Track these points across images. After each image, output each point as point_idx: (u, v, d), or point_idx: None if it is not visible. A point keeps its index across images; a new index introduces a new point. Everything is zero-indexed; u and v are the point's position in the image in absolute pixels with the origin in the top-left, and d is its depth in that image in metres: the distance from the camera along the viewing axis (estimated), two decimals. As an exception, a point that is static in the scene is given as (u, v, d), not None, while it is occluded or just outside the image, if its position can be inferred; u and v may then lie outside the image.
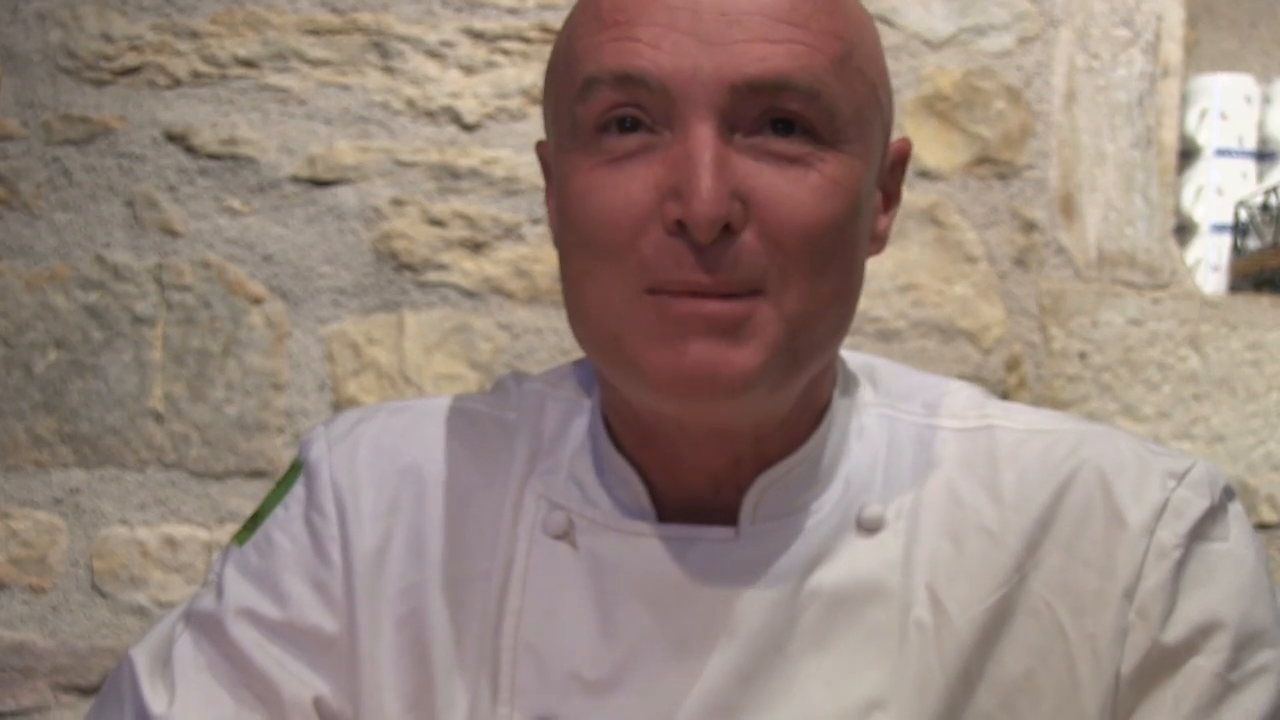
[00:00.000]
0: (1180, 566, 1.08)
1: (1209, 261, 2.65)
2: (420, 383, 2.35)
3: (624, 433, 1.15)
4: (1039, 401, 2.34)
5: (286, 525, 1.20)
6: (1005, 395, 2.33)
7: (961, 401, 1.19)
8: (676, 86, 0.99)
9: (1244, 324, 2.39)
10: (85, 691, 2.37)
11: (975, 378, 2.31)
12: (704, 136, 0.99)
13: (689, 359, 1.02)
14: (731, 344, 1.02)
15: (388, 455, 1.20)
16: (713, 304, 1.01)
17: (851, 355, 1.22)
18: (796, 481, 1.13)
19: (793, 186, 1.02)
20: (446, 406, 1.24)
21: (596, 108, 1.02)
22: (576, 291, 1.07)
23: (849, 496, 1.13)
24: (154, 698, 1.16)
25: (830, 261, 1.04)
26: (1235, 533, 1.11)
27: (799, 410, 1.13)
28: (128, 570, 2.37)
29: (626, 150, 1.02)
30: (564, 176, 1.06)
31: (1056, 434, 1.15)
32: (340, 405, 2.36)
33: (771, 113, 1.01)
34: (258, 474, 2.36)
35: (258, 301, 2.38)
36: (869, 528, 1.12)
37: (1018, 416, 1.17)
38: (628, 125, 1.02)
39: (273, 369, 2.37)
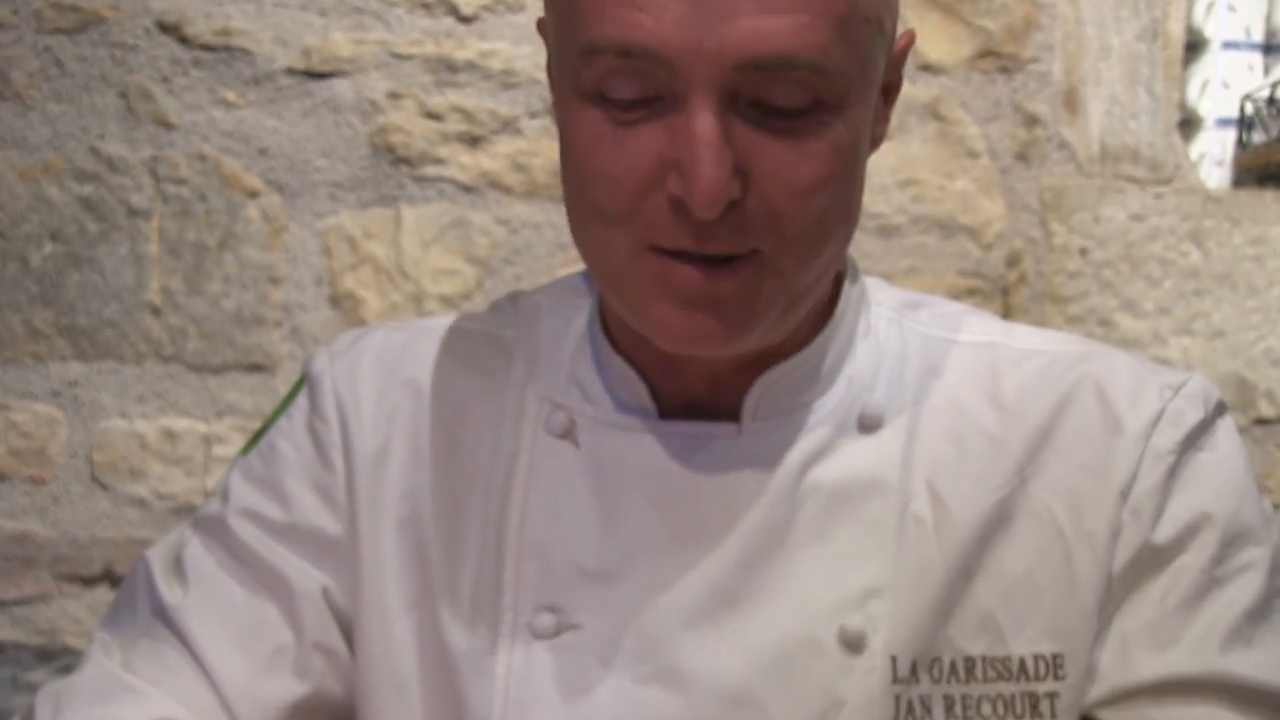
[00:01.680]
0: (1173, 471, 1.11)
1: (1213, 156, 2.64)
2: (418, 277, 2.34)
3: (622, 336, 1.17)
4: (1039, 298, 2.33)
5: (290, 434, 1.23)
6: (1005, 292, 2.32)
7: (966, 319, 1.22)
8: (680, 62, 0.98)
9: (1247, 219, 2.38)
10: (87, 581, 2.38)
11: (975, 274, 2.31)
12: (705, 119, 0.98)
13: (689, 324, 1.03)
14: (730, 309, 1.03)
15: (388, 367, 1.23)
16: (712, 278, 1.02)
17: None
18: (799, 381, 1.15)
19: (794, 156, 1.01)
20: (444, 326, 1.26)
21: (598, 71, 1.01)
22: (580, 231, 1.07)
23: (851, 395, 1.15)
24: (169, 592, 1.19)
25: (831, 221, 1.04)
26: (1225, 443, 1.14)
27: (802, 318, 1.13)
28: (127, 463, 2.38)
29: (630, 115, 1.01)
30: (566, 115, 1.05)
31: (1057, 353, 1.17)
32: (337, 300, 2.35)
33: (775, 86, 1.00)
34: (256, 368, 2.37)
35: (254, 195, 2.37)
36: (870, 426, 1.14)
37: (1021, 336, 1.20)
38: (630, 86, 1.01)
39: (270, 263, 2.37)
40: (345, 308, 2.36)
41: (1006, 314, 2.32)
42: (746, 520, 1.11)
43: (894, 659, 1.09)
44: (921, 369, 1.17)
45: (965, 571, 1.11)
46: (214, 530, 1.21)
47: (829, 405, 1.14)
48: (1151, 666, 1.08)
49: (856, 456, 1.13)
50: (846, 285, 1.18)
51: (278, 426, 1.24)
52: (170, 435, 2.38)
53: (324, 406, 1.22)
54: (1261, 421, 2.34)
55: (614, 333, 1.17)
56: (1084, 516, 1.11)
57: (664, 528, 1.12)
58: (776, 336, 1.09)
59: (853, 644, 1.09)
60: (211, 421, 2.37)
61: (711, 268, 1.02)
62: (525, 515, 1.15)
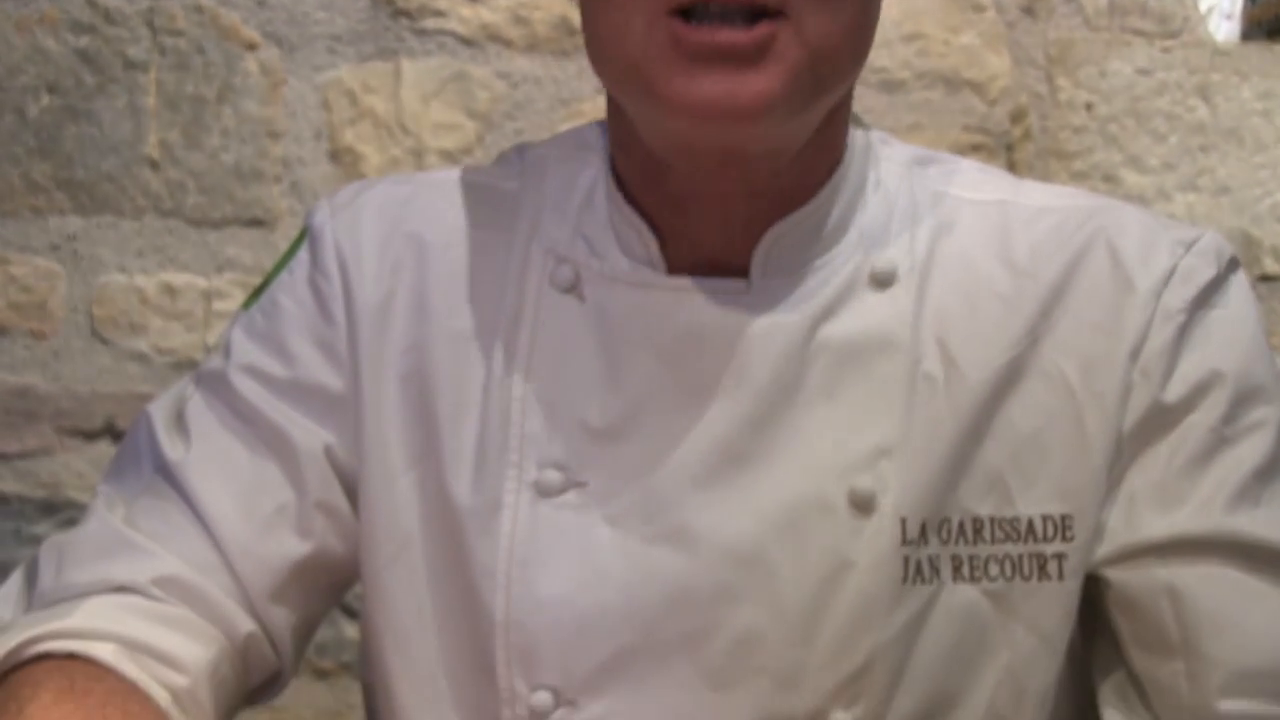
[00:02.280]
0: (1184, 330, 1.11)
1: (1222, 9, 2.60)
2: (418, 132, 2.32)
3: (634, 177, 1.15)
4: (1044, 154, 2.31)
5: (291, 289, 1.22)
6: (1010, 148, 2.30)
7: (975, 176, 1.20)
8: None
9: (1255, 73, 2.35)
10: (88, 435, 2.39)
11: (980, 130, 2.29)
12: None
13: (706, 88, 1.01)
14: (750, 70, 1.01)
15: (390, 220, 1.22)
16: (728, 33, 1.00)
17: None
18: (809, 233, 1.14)
19: None
20: (448, 178, 1.25)
21: None
22: (597, 14, 1.06)
23: (862, 250, 1.14)
24: (171, 448, 1.19)
25: None
26: (1237, 300, 1.13)
27: (813, 151, 1.12)
28: (127, 317, 2.38)
29: None
30: None
31: (1069, 209, 1.16)
32: (337, 154, 2.34)
33: None
34: (255, 223, 2.35)
35: (252, 48, 2.34)
36: (881, 282, 1.13)
37: (1030, 193, 1.19)
38: None
39: (268, 117, 2.35)
40: (345, 163, 2.34)
41: (1011, 170, 2.30)
42: (755, 378, 1.11)
43: (903, 520, 1.09)
44: (932, 226, 1.16)
45: (975, 431, 1.11)
46: (216, 387, 1.21)
47: (840, 261, 1.14)
48: (1158, 525, 1.09)
49: (867, 313, 1.12)
50: (853, 133, 1.17)
51: (279, 281, 1.23)
52: (170, 290, 2.37)
53: (325, 261, 1.21)
54: (1266, 278, 2.33)
55: (626, 176, 1.16)
56: (1094, 376, 1.10)
57: (671, 385, 1.12)
58: (794, 131, 1.08)
59: (862, 506, 1.09)
60: (211, 276, 2.37)
61: (731, 27, 1.00)
62: (530, 371, 1.15)
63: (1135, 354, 1.10)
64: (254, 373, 1.20)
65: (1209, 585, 1.07)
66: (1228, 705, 1.05)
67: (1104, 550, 1.10)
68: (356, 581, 1.24)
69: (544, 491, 1.12)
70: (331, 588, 1.24)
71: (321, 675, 2.38)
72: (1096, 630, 1.14)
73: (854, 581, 1.09)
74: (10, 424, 2.39)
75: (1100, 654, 1.14)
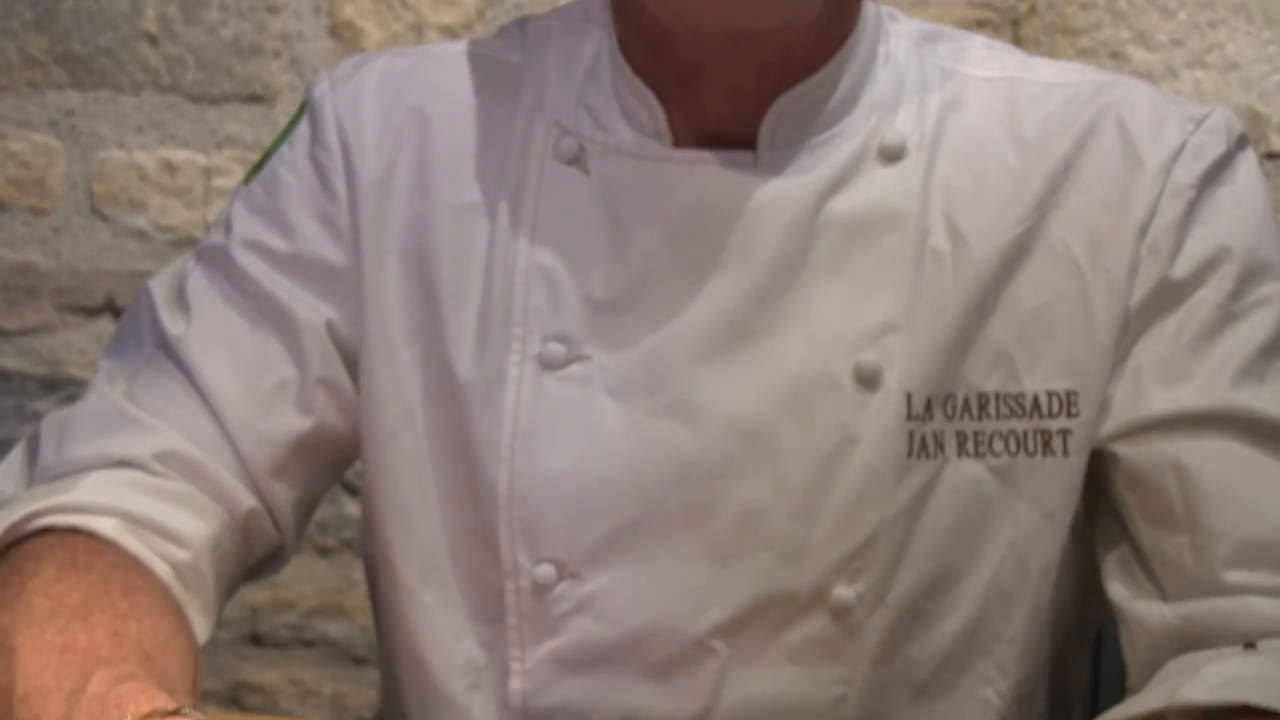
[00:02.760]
0: (1192, 206, 1.10)
1: (1233, -118, 2.56)
2: (418, 6, 2.30)
3: (639, 49, 1.14)
4: (1050, 30, 2.29)
5: (292, 163, 1.21)
6: (1015, 23, 2.28)
7: (984, 53, 1.19)
8: None
9: (1266, -52, 2.33)
10: (89, 312, 2.38)
11: (985, 4, 2.26)
12: None
13: None
14: None
15: (391, 93, 1.21)
16: None
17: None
18: (817, 105, 1.13)
19: None
20: (450, 51, 1.24)
21: None
22: None
23: (871, 124, 1.13)
24: (171, 323, 1.18)
25: None
26: (1246, 177, 1.13)
27: (825, 24, 1.11)
28: (127, 194, 2.37)
29: None
30: None
31: (1078, 85, 1.15)
32: (337, 29, 2.31)
33: None
34: (255, 99, 2.34)
35: (250, -81, 2.31)
36: (890, 155, 1.12)
37: (1039, 70, 1.18)
38: None
39: (267, -10, 2.32)
40: (345, 38, 2.31)
41: (1016, 46, 2.27)
42: (761, 252, 1.10)
43: (909, 395, 1.09)
44: (942, 102, 1.15)
45: (981, 307, 1.10)
46: (216, 261, 1.20)
47: (848, 134, 1.12)
48: (1163, 400, 1.09)
49: (876, 188, 1.11)
50: (864, 6, 1.16)
51: (279, 155, 1.22)
52: (169, 166, 2.36)
53: (326, 133, 1.20)
54: (1273, 155, 2.31)
55: (632, 46, 1.15)
56: (1102, 253, 1.10)
57: (676, 258, 1.11)
58: (806, 10, 1.07)
59: (868, 380, 1.09)
60: (211, 153, 2.35)
61: None
62: (533, 243, 1.14)
63: (1143, 230, 1.10)
64: (255, 247, 1.19)
65: (1214, 459, 1.07)
66: (1233, 577, 1.05)
67: (1110, 426, 1.10)
68: (358, 457, 1.24)
69: (547, 364, 1.12)
70: (333, 463, 1.24)
71: (323, 552, 2.39)
72: (1100, 505, 1.14)
73: (858, 456, 1.09)
74: (10, 300, 2.38)
75: (1104, 528, 1.14)
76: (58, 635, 0.98)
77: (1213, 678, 0.98)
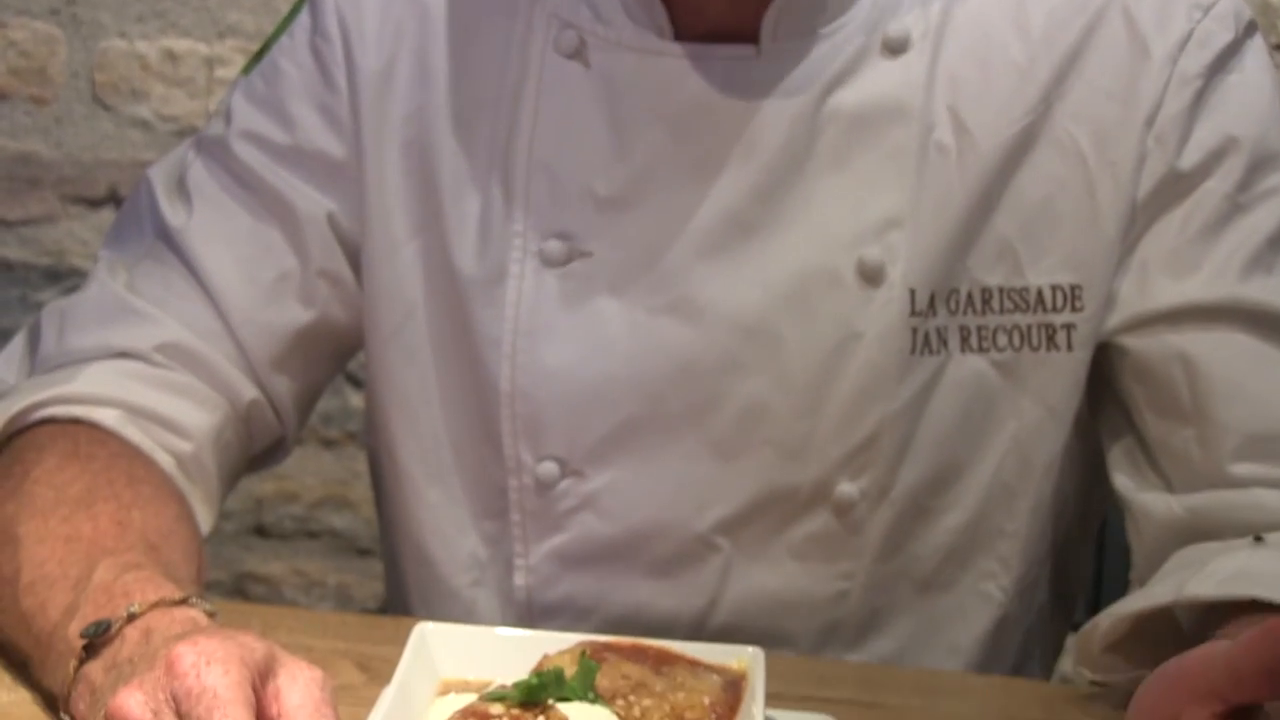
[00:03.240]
0: (1200, 95, 1.09)
1: None
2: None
3: None
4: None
5: (292, 53, 1.20)
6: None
7: None
8: None
9: None
10: (92, 203, 2.37)
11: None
12: None
13: None
14: None
15: None
16: None
17: None
18: None
19: None
20: None
21: None
22: None
23: (875, 15, 1.11)
24: (172, 214, 1.18)
25: None
26: (1254, 65, 1.12)
27: None
28: (128, 83, 2.35)
29: None
30: None
31: None
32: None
33: None
34: (257, -13, 2.31)
35: None
36: (894, 48, 1.11)
37: None
38: None
39: (268, -124, 2.29)
40: (347, -75, 2.28)
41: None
42: (764, 147, 1.09)
43: (912, 291, 1.08)
44: None
45: (985, 201, 1.09)
46: (216, 153, 1.19)
47: (852, 27, 1.11)
48: (1170, 293, 1.08)
49: (879, 81, 1.10)
50: None
51: (279, 45, 1.21)
52: (171, 56, 2.34)
53: (326, 24, 1.18)
54: (1282, 49, 2.29)
55: None
56: (1108, 145, 1.09)
57: (678, 154, 1.10)
58: None
59: (871, 276, 1.08)
60: (213, 43, 2.33)
61: None
62: (534, 138, 1.13)
63: (1150, 121, 1.09)
64: (254, 139, 1.18)
65: (1221, 351, 1.07)
66: (1239, 469, 1.05)
67: (1116, 319, 1.10)
68: (359, 349, 1.24)
69: (549, 261, 1.12)
70: (334, 355, 1.24)
71: (328, 445, 2.40)
72: (1106, 398, 1.14)
73: (861, 353, 1.09)
74: (13, 190, 2.37)
75: (1109, 421, 1.14)
76: (62, 524, 0.98)
77: (1220, 572, 0.98)
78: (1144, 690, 0.77)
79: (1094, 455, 1.16)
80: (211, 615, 0.89)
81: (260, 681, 0.80)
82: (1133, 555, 1.13)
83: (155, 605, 0.88)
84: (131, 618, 0.87)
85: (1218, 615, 0.97)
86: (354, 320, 1.20)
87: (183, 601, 0.89)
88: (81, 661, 0.87)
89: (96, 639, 0.87)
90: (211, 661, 0.78)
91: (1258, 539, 1.02)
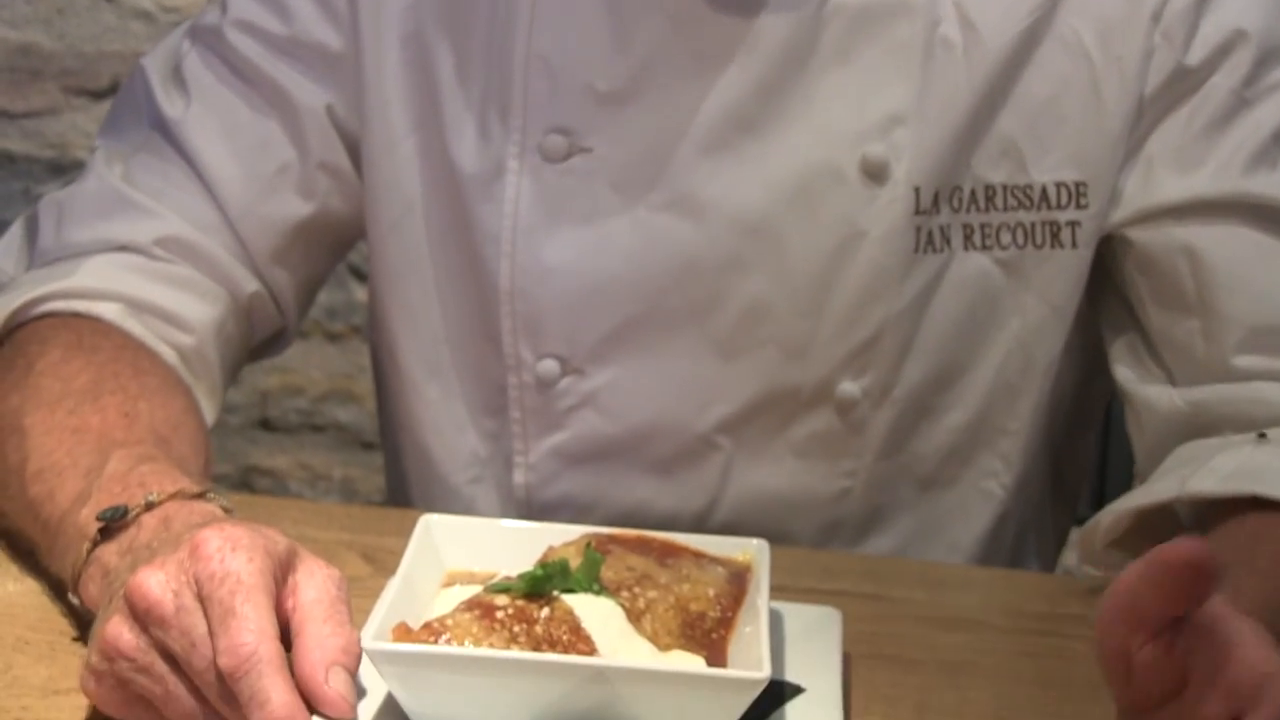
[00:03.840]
0: None
1: None
2: None
3: None
4: None
5: None
6: None
7: None
8: None
9: None
10: (95, 95, 2.36)
11: None
12: None
13: None
14: None
15: None
16: None
17: None
18: None
19: None
20: None
21: None
22: None
23: None
24: (169, 105, 1.17)
25: None
26: None
27: None
28: (130, -28, 2.33)
29: None
30: None
31: None
32: None
33: None
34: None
35: None
36: None
37: None
38: None
39: None
40: None
41: None
42: (766, 43, 1.07)
43: (916, 189, 1.07)
44: None
45: (990, 98, 1.08)
46: (211, 42, 1.17)
47: None
48: (1176, 187, 1.08)
49: None
50: None
51: None
52: (173, -54, 2.32)
53: None
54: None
55: None
56: (1113, 42, 1.08)
57: (680, 49, 1.09)
58: None
59: (875, 173, 1.07)
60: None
61: None
62: (532, 30, 1.11)
63: (1156, 16, 1.07)
64: (250, 29, 1.16)
65: (1226, 245, 1.07)
66: (1242, 361, 1.05)
67: (1121, 213, 1.09)
68: (359, 240, 1.24)
69: (548, 157, 1.10)
70: (334, 247, 1.24)
71: (332, 338, 2.40)
72: (1108, 292, 1.13)
73: (865, 251, 1.08)
74: (15, 82, 2.36)
75: (1112, 314, 1.14)
76: (68, 416, 0.99)
77: (1223, 468, 0.98)
78: (1101, 611, 0.76)
79: (1093, 349, 1.16)
80: (228, 511, 0.89)
81: (280, 574, 0.80)
82: (1134, 449, 1.13)
83: (173, 496, 0.88)
84: (150, 506, 0.88)
85: (1219, 511, 0.97)
86: (354, 213, 1.19)
87: (200, 495, 0.90)
88: (95, 544, 0.88)
89: (113, 523, 0.87)
90: (237, 548, 0.78)
91: (1261, 435, 1.02)
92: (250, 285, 1.16)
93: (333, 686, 0.77)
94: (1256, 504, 0.95)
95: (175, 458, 0.96)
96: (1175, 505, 1.02)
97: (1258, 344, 1.05)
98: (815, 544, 1.15)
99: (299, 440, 2.45)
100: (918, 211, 1.08)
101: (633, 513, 1.14)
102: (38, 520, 0.95)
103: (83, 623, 0.90)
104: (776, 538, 1.12)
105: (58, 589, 0.94)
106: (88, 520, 0.88)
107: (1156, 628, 0.71)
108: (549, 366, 1.13)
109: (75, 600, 0.89)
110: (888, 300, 1.09)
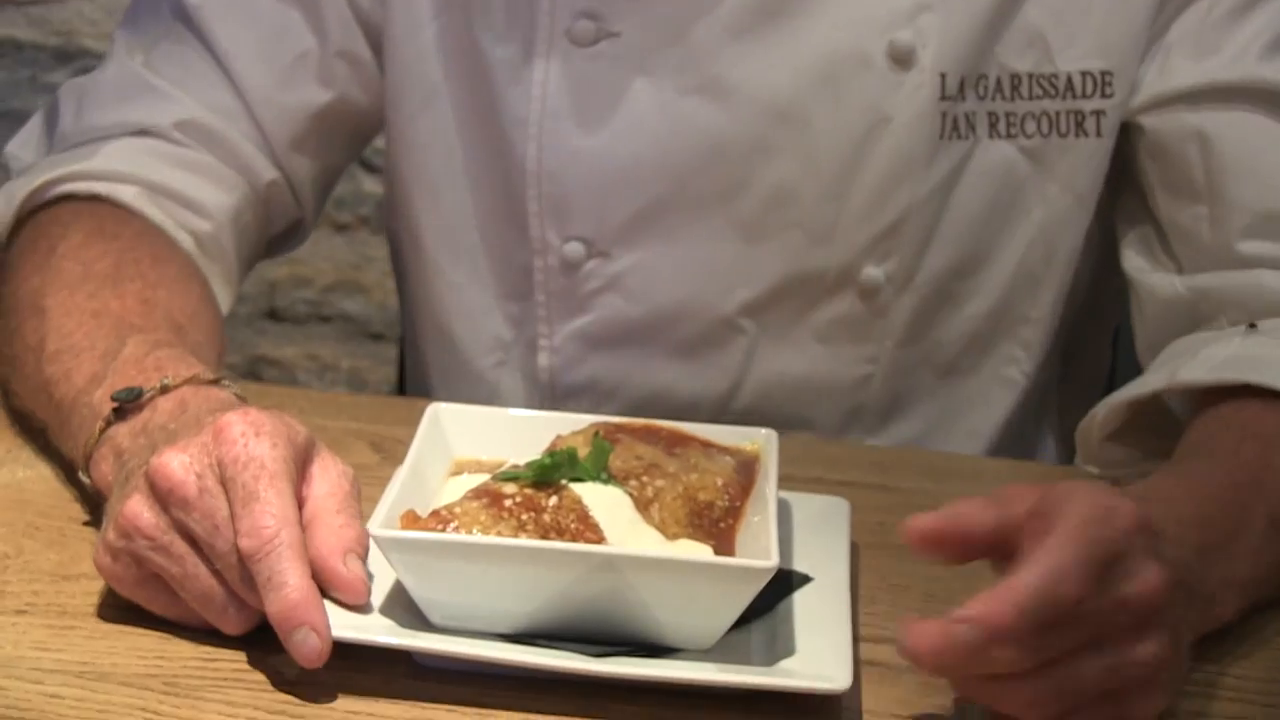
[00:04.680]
0: None
1: None
2: None
3: None
4: None
5: None
6: None
7: None
8: None
9: None
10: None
11: None
12: None
13: None
14: None
15: None
16: None
17: None
18: None
19: None
20: None
21: None
22: None
23: None
24: None
25: None
26: None
27: None
28: None
29: None
30: None
31: None
32: None
33: None
34: None
35: None
36: None
37: None
38: None
39: None
40: None
41: None
42: None
43: (942, 76, 1.07)
44: None
45: None
46: None
47: None
48: (1190, 73, 1.08)
49: None
50: None
51: None
52: None
53: None
54: None
55: None
56: None
57: None
58: None
59: (902, 59, 1.07)
60: None
61: None
62: None
63: None
64: None
65: (1237, 131, 1.07)
66: (1248, 248, 1.05)
67: (1136, 100, 1.09)
68: (378, 133, 1.23)
69: (576, 40, 1.10)
70: (353, 138, 1.24)
71: (340, 229, 2.39)
72: (1122, 183, 1.14)
73: (890, 136, 1.08)
74: (21, -31, 2.34)
75: (1124, 205, 1.14)
76: (88, 299, 0.99)
77: (1213, 358, 0.99)
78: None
79: (1111, 242, 1.16)
80: (241, 399, 0.89)
81: (300, 462, 0.80)
82: (1135, 339, 1.14)
83: (188, 381, 0.89)
84: (165, 389, 0.88)
85: (1211, 402, 0.98)
86: (373, 102, 1.19)
87: (214, 382, 0.90)
88: (108, 424, 0.88)
89: (127, 404, 0.87)
90: (260, 433, 0.79)
91: (1251, 326, 1.02)
92: (268, 173, 1.16)
93: (350, 570, 0.77)
94: (1248, 392, 0.95)
95: (190, 345, 0.96)
96: (1167, 397, 1.02)
97: (1264, 229, 1.05)
98: (836, 430, 1.16)
99: (306, 331, 2.45)
100: (943, 98, 1.08)
101: (656, 397, 1.15)
102: (51, 400, 0.95)
103: (93, 508, 0.90)
104: (797, 423, 1.14)
105: (68, 475, 0.95)
106: (102, 401, 0.89)
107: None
108: (574, 249, 1.13)
109: (85, 479, 0.90)
110: (912, 185, 1.09)
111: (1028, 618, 0.68)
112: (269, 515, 0.76)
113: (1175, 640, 0.74)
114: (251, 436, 0.78)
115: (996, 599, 0.68)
